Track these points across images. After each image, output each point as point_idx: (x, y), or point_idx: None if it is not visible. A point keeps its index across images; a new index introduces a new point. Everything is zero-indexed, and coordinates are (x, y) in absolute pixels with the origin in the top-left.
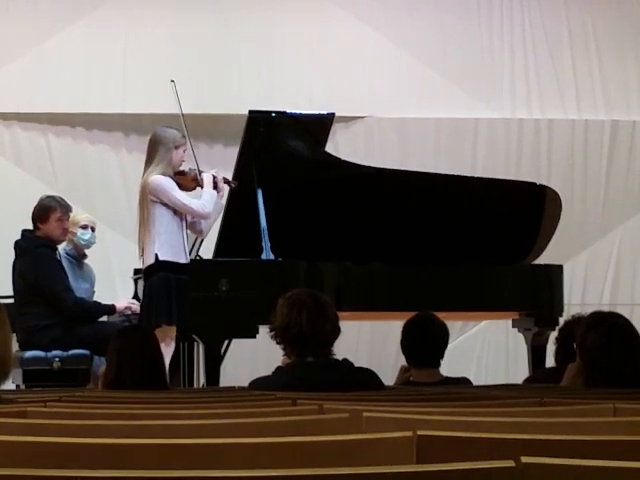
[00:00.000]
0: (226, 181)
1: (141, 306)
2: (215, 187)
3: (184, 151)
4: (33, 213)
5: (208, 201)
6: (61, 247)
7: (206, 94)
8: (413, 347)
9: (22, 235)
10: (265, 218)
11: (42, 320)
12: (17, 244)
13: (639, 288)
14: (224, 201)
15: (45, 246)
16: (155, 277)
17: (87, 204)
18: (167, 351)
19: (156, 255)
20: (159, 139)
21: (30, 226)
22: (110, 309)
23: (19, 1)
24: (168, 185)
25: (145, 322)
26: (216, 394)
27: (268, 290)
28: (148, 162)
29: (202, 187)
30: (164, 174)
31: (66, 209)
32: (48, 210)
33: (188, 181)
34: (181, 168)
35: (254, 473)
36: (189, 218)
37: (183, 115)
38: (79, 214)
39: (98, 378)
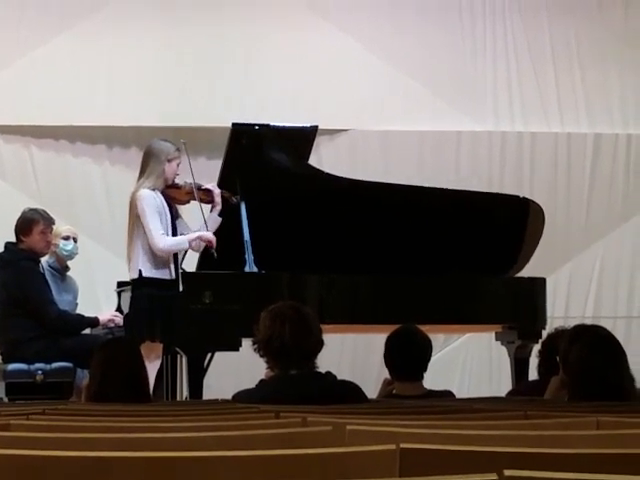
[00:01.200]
0: (226, 196)
1: (124, 319)
2: (211, 201)
3: (178, 165)
4: (16, 226)
5: (172, 244)
6: (44, 260)
7: (190, 106)
8: (396, 360)
9: (5, 247)
10: (248, 230)
11: (25, 333)
12: (0, 257)
13: (622, 301)
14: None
15: (28, 259)
16: (138, 293)
17: (70, 217)
18: (151, 367)
19: (140, 271)
20: (152, 151)
21: (13, 239)
22: (93, 322)
23: (3, 13)
24: (148, 203)
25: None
26: (199, 407)
27: (251, 302)
28: (140, 174)
29: (196, 200)
30: (154, 187)
31: (49, 222)
32: (31, 223)
33: (181, 194)
34: (177, 181)
35: None
36: (178, 233)
37: (194, 177)
38: (60, 226)
39: (81, 391)
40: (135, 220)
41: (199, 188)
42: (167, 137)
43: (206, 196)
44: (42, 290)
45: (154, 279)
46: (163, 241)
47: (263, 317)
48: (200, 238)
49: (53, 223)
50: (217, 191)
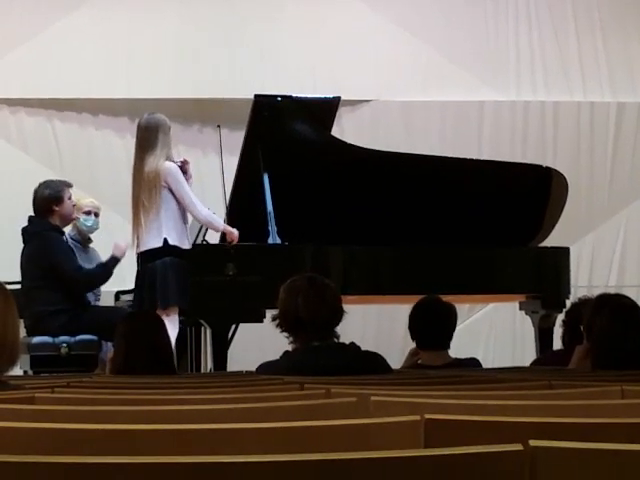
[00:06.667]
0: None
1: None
2: (185, 173)
3: None
4: (44, 200)
5: (209, 215)
6: (66, 232)
7: (211, 78)
8: (421, 330)
9: (30, 221)
10: (271, 202)
11: (50, 306)
12: (25, 230)
13: None
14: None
15: (55, 230)
16: (168, 259)
17: (93, 189)
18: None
19: (165, 239)
20: (157, 125)
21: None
22: (113, 260)
23: None
24: (179, 173)
25: (159, 301)
26: (223, 379)
27: (274, 274)
28: (149, 148)
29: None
30: (170, 158)
31: (69, 186)
32: (60, 191)
33: None
34: None
35: (261, 458)
36: None
37: (222, 161)
38: (83, 198)
39: (105, 363)
40: (162, 191)
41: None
42: (189, 109)
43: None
44: (69, 257)
45: (178, 248)
46: (205, 209)
47: (280, 291)
48: (232, 233)
49: (72, 186)
50: (188, 164)
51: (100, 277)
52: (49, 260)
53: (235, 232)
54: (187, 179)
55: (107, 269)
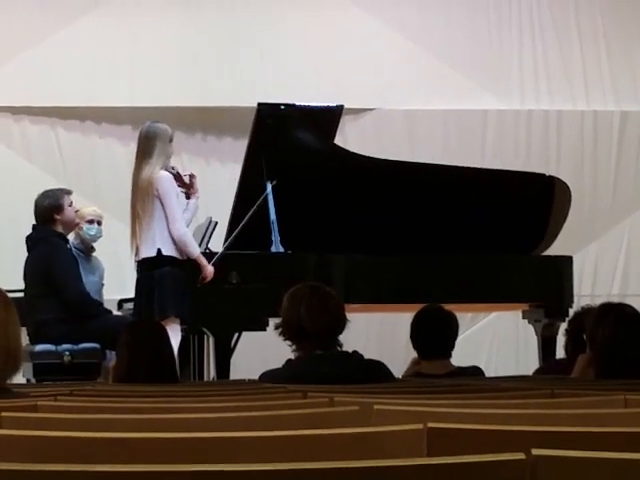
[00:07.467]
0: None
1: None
2: (191, 187)
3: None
4: (45, 209)
5: (189, 239)
6: (70, 240)
7: (215, 87)
8: (422, 339)
9: (33, 228)
10: (275, 211)
11: (53, 314)
12: (29, 238)
13: None
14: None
15: (59, 237)
16: (165, 270)
17: (96, 197)
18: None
19: (159, 250)
20: (156, 134)
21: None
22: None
23: None
24: (172, 185)
25: (157, 311)
26: (226, 387)
27: (278, 283)
28: (146, 156)
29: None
30: (166, 168)
31: (69, 193)
32: (59, 199)
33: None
34: None
35: (264, 467)
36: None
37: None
38: (85, 207)
39: (108, 372)
40: (154, 200)
41: (179, 173)
42: (192, 117)
43: (185, 182)
44: (70, 265)
45: (173, 258)
46: (184, 229)
47: (284, 300)
48: (205, 268)
49: (71, 192)
50: (195, 178)
51: (90, 306)
52: (50, 265)
53: (210, 268)
54: (193, 193)
55: (98, 309)
